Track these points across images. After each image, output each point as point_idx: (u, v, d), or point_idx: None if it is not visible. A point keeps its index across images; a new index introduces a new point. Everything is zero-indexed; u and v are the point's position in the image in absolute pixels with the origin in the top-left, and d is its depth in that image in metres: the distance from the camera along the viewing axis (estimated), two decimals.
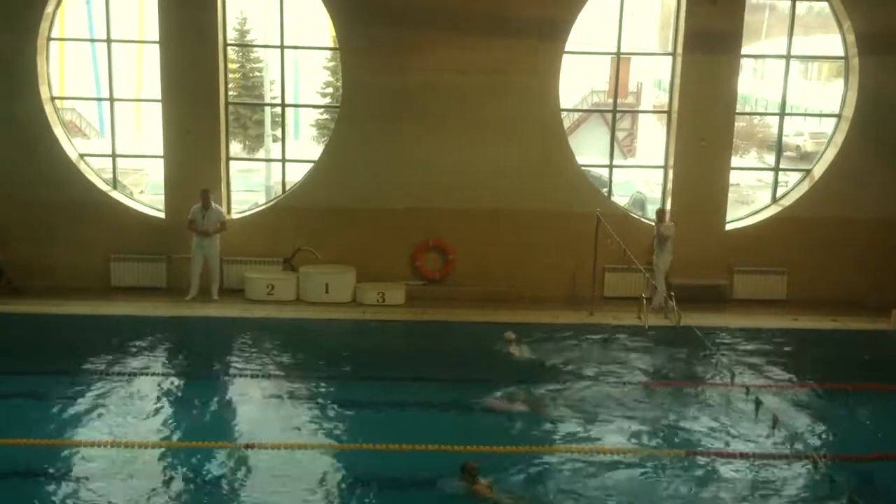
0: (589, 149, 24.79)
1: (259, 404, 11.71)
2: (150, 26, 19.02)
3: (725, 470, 10.04)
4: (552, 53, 16.07)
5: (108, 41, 16.48)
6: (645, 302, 15.11)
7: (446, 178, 16.21)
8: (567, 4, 15.94)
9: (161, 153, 16.38)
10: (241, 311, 15.48)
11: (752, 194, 25.96)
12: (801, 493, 9.68)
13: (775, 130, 18.11)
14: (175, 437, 10.72)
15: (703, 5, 15.92)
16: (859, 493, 9.37)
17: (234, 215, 16.96)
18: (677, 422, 11.40)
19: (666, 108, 17.33)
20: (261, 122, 31.37)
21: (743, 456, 10.29)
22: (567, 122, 24.06)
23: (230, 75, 18.11)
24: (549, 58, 16.08)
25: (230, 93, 17.29)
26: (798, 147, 34.17)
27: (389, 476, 9.67)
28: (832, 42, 17.83)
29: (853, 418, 11.78)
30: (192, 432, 10.79)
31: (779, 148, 18.08)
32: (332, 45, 21.89)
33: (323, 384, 12.32)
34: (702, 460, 10.23)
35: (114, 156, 16.99)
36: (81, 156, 16.70)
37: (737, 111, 16.99)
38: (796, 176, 17.89)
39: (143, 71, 32.14)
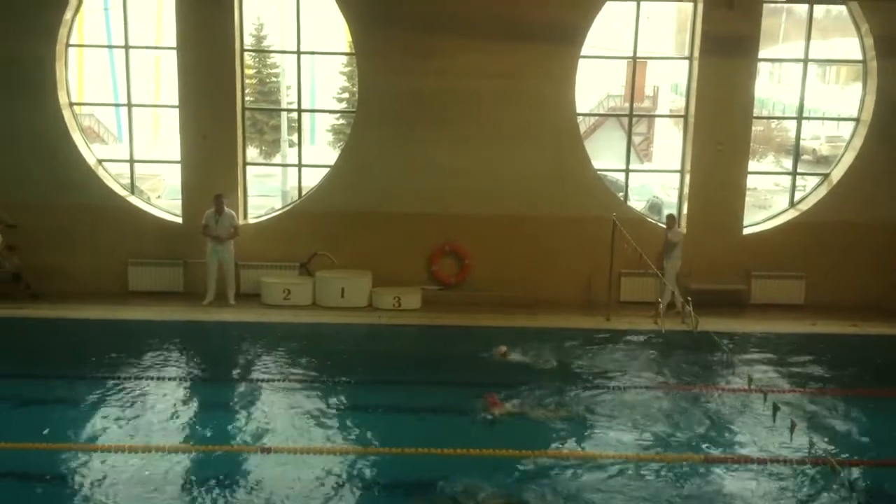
0: (605, 153, 24.74)
1: (275, 408, 11.72)
2: (168, 32, 19.14)
3: (743, 475, 9.99)
4: (568, 58, 16.06)
5: (126, 47, 16.58)
6: (661, 306, 15.07)
7: (462, 182, 16.22)
8: (583, 9, 15.93)
9: (178, 158, 16.47)
10: (258, 315, 15.52)
11: (770, 198, 25.83)
12: (818, 499, 9.60)
13: (792, 134, 18.03)
14: (191, 441, 10.74)
15: (719, 9, 15.88)
16: (877, 498, 9.29)
17: (251, 220, 17.04)
18: (694, 427, 11.35)
19: (682, 113, 17.28)
20: (277, 127, 31.49)
21: (760, 461, 10.24)
22: (583, 127, 24.04)
23: (247, 80, 18.16)
24: (564, 62, 16.06)
25: (247, 98, 17.35)
26: (814, 150, 34.01)
27: (404, 480, 9.68)
28: (850, 45, 17.73)
29: (872, 424, 11.68)
30: (209, 436, 10.84)
31: (796, 152, 17.97)
32: (348, 50, 21.98)
33: (339, 388, 12.32)
34: (719, 465, 10.18)
35: (131, 161, 17.11)
36: (99, 161, 16.82)
37: (754, 115, 16.92)
38: (814, 180, 17.80)
39: (161, 77, 32.37)
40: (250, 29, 29.93)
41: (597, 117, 34.96)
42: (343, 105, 31.83)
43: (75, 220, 16.20)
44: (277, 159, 31.12)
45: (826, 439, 11.10)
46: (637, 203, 22.60)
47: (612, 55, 20.02)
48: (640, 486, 9.76)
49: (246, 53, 17.08)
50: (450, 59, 15.87)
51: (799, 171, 17.79)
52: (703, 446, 10.78)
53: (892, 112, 16.24)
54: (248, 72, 22.86)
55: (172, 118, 16.69)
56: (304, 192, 17.15)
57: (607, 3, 16.10)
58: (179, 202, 16.76)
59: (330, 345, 14.37)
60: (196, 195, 16.19)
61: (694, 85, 16.47)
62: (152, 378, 12.46)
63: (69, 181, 16.15)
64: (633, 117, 18.93)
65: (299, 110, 17.81)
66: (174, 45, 16.09)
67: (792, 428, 9.89)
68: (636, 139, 31.32)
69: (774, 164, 34.27)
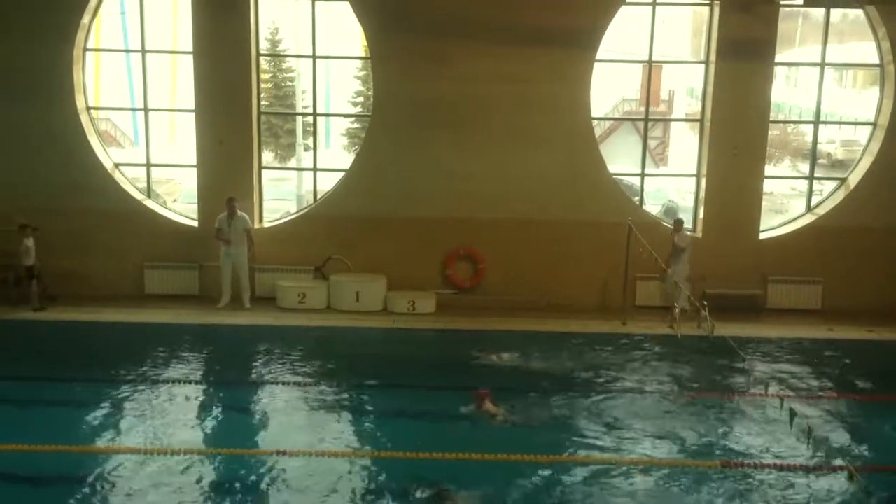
0: (620, 157, 24.70)
1: (289, 411, 11.73)
2: (184, 37, 19.25)
3: (760, 481, 9.93)
4: (583, 62, 16.03)
5: (143, 52, 16.70)
6: (677, 311, 15.02)
7: (477, 186, 16.21)
8: (598, 13, 15.89)
9: (194, 162, 16.54)
10: (273, 319, 15.56)
11: (787, 203, 25.72)
12: None
13: (809, 138, 17.93)
14: (206, 444, 10.78)
15: (736, 13, 15.83)
16: None
17: (266, 224, 17.09)
18: (711, 432, 11.30)
19: (698, 117, 17.20)
20: (292, 132, 31.61)
21: (777, 467, 10.18)
22: (598, 131, 23.95)
23: (262, 85, 18.21)
24: (579, 66, 16.04)
25: (262, 102, 17.42)
26: (829, 155, 33.90)
27: (418, 484, 9.61)
28: (867, 49, 17.64)
29: (890, 430, 11.58)
30: (224, 439, 10.90)
31: (813, 156, 17.89)
32: (363, 54, 22.03)
33: (353, 392, 12.33)
34: (736, 471, 10.12)
35: (148, 165, 17.20)
36: (116, 165, 16.91)
37: (770, 119, 16.85)
38: (830, 184, 17.70)
39: (177, 81, 32.55)
40: (266, 33, 30.03)
41: (612, 121, 34.96)
42: (358, 109, 31.93)
43: (92, 224, 16.28)
44: (293, 163, 31.25)
45: (844, 445, 11.02)
46: (653, 207, 22.55)
47: (627, 59, 19.98)
48: (652, 492, 9.72)
49: (261, 58, 17.14)
50: (465, 63, 15.87)
51: (816, 175, 17.71)
52: (719, 452, 10.71)
53: None
54: (263, 76, 22.93)
55: (188, 122, 16.77)
56: (319, 196, 17.19)
57: (623, 7, 16.09)
58: (195, 206, 16.82)
59: (344, 348, 14.38)
60: (212, 199, 16.25)
61: (710, 89, 16.42)
62: (167, 381, 12.50)
63: (86, 185, 16.25)
64: (648, 121, 18.85)
65: (314, 114, 17.87)
66: (190, 49, 16.18)
67: (809, 434, 9.85)
68: (652, 143, 31.29)
69: (791, 169, 34.14)
